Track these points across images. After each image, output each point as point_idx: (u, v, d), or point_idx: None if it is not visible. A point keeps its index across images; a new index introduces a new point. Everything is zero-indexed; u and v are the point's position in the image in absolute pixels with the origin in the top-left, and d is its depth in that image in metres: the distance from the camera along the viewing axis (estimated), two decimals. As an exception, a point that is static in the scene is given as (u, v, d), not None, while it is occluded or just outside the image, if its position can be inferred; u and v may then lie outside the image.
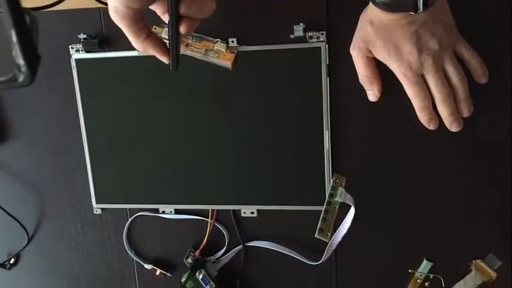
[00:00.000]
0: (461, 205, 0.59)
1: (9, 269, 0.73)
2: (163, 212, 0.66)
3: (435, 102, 0.53)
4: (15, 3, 0.29)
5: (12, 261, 0.73)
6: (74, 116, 0.65)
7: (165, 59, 0.50)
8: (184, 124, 0.62)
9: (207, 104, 0.61)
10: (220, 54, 0.59)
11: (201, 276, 0.64)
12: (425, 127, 0.55)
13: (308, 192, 0.61)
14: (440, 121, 0.55)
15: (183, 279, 0.64)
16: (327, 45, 0.57)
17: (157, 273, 0.67)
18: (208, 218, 0.64)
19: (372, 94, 0.56)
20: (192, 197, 0.64)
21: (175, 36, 0.47)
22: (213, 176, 0.63)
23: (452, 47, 0.52)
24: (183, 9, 0.45)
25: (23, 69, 0.31)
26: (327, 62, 0.57)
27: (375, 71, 0.55)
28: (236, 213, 0.64)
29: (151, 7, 0.48)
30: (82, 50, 0.63)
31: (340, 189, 0.59)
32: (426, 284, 0.61)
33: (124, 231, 0.68)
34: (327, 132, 0.59)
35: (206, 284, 0.64)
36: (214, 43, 0.59)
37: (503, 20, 0.54)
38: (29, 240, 0.72)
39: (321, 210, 0.59)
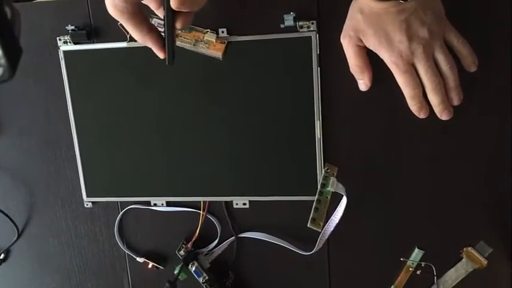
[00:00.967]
0: (452, 194, 0.59)
1: (-1, 264, 0.72)
2: (155, 205, 0.66)
3: (425, 91, 0.54)
4: None
5: (2, 256, 0.72)
6: (62, 109, 0.65)
7: (161, 54, 0.50)
8: (175, 115, 0.62)
9: (197, 95, 0.61)
10: (210, 44, 0.59)
11: (193, 268, 0.64)
12: (416, 116, 0.55)
13: (300, 183, 0.61)
14: (431, 110, 0.55)
15: (175, 272, 0.64)
16: (317, 35, 0.57)
17: (150, 266, 0.67)
18: (200, 210, 0.64)
19: (363, 83, 0.56)
20: (183, 189, 0.64)
21: (170, 31, 0.47)
22: (205, 167, 0.63)
23: (442, 35, 0.53)
24: (177, 4, 0.45)
25: (2, 61, 0.30)
26: (318, 52, 0.57)
27: (366, 60, 0.55)
28: (228, 204, 0.64)
29: (146, 2, 0.48)
30: (70, 42, 0.62)
31: (332, 179, 0.59)
32: (418, 272, 0.61)
33: (115, 225, 0.67)
34: (318, 122, 0.59)
35: (199, 276, 0.64)
36: (204, 33, 0.59)
37: (495, 9, 0.54)
38: (19, 235, 0.71)
39: (313, 200, 0.59)
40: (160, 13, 0.48)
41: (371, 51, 0.54)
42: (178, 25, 0.47)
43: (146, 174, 0.64)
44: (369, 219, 0.61)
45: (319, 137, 0.59)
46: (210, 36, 0.59)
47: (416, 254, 0.61)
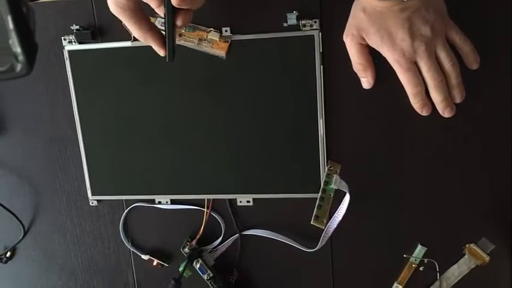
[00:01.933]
0: (454, 191, 0.59)
1: (6, 262, 0.73)
2: (159, 203, 0.66)
3: (428, 89, 0.54)
4: None
5: (8, 254, 0.73)
6: (67, 108, 0.65)
7: (161, 52, 0.51)
8: (179, 114, 0.62)
9: (201, 93, 0.61)
10: (213, 43, 0.59)
11: (198, 266, 0.64)
12: (418, 114, 0.56)
13: (303, 180, 0.61)
14: (434, 107, 0.55)
15: (180, 269, 0.65)
16: (320, 33, 0.57)
17: (155, 263, 0.67)
18: (204, 208, 0.65)
19: (366, 81, 0.57)
20: (187, 187, 0.64)
21: (171, 28, 0.48)
22: (209, 165, 0.63)
23: (444, 33, 0.53)
24: (177, 2, 0.45)
25: (20, 58, 0.30)
26: (321, 50, 0.57)
27: (369, 58, 0.55)
28: (232, 202, 0.64)
29: (146, 0, 0.48)
30: (75, 41, 0.63)
31: (335, 177, 0.59)
32: (421, 268, 0.61)
33: (120, 223, 0.68)
34: (321, 120, 0.59)
35: (203, 273, 0.65)
36: (208, 32, 0.59)
37: (496, 7, 0.55)
38: (25, 233, 0.72)
39: (316, 198, 0.60)
40: (160, 11, 0.49)
41: (374, 49, 0.54)
42: (178, 22, 0.48)
43: (151, 173, 0.65)
44: (371, 216, 0.62)
45: (322, 134, 0.60)
46: (213, 35, 0.59)
47: (419, 250, 0.61)
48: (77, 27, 0.62)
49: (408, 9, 0.50)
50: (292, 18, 0.57)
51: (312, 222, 0.59)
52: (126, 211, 0.67)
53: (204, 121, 0.62)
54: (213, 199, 0.65)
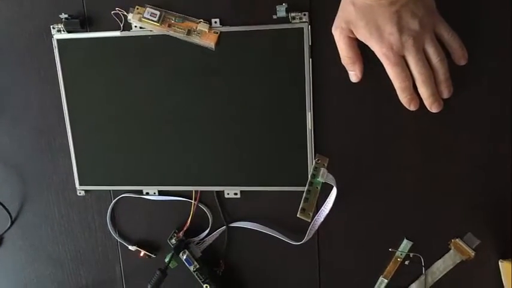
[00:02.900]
0: (441, 185, 0.60)
1: (-8, 251, 0.73)
2: (147, 194, 0.66)
3: (416, 83, 0.54)
4: None
5: (-5, 243, 0.73)
6: (56, 97, 0.65)
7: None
8: (168, 105, 0.62)
9: (190, 84, 0.61)
10: (203, 34, 0.59)
11: (184, 257, 0.64)
12: (406, 108, 0.56)
13: (291, 173, 0.61)
14: (421, 102, 0.55)
15: (166, 260, 0.65)
16: (309, 26, 0.57)
17: (142, 254, 0.67)
18: (191, 199, 0.65)
19: (354, 75, 0.57)
20: (175, 178, 0.64)
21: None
22: (197, 157, 0.63)
23: (433, 28, 0.53)
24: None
25: None
26: (310, 43, 0.57)
27: (357, 51, 0.55)
28: (220, 194, 0.64)
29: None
30: (64, 30, 0.62)
31: (323, 170, 0.59)
32: (406, 262, 0.62)
33: (108, 213, 0.68)
34: (309, 113, 0.59)
35: (190, 265, 0.65)
36: (197, 23, 0.59)
37: (487, 3, 0.55)
38: (12, 223, 0.71)
39: (303, 191, 0.60)
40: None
41: (363, 43, 0.54)
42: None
43: (139, 164, 0.65)
44: (358, 209, 0.62)
45: (310, 128, 0.60)
46: (203, 27, 0.59)
47: (405, 244, 0.61)
48: (66, 15, 0.62)
49: (397, 3, 0.50)
50: (281, 11, 0.57)
51: (298, 215, 0.58)
52: (113, 202, 0.67)
53: (192, 112, 0.62)
54: (201, 191, 0.64)
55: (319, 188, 0.60)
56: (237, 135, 0.61)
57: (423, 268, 0.62)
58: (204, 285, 0.65)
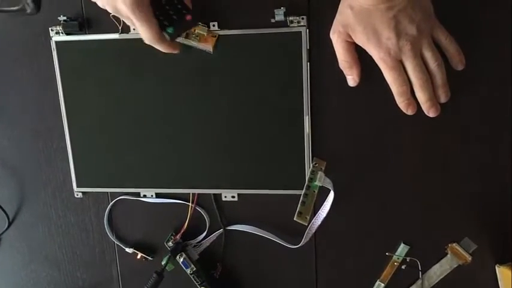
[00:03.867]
0: (438, 190, 0.60)
1: (-10, 252, 0.73)
2: (145, 196, 0.66)
3: (413, 88, 0.54)
4: None
5: (-8, 244, 0.73)
6: (54, 99, 0.65)
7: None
8: (166, 108, 0.62)
9: (187, 87, 0.61)
10: (201, 37, 0.59)
11: (181, 260, 0.64)
12: (404, 113, 0.56)
13: (288, 177, 0.61)
14: (419, 106, 0.55)
15: (163, 262, 0.65)
16: (307, 30, 0.57)
17: (139, 256, 0.67)
18: (189, 202, 0.65)
19: (352, 79, 0.57)
20: (173, 181, 0.64)
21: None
22: (194, 160, 0.63)
23: (431, 32, 0.53)
24: None
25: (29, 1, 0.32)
26: (308, 47, 0.57)
27: (355, 55, 0.55)
28: (217, 197, 0.64)
29: None
30: (62, 32, 0.62)
31: (320, 174, 0.59)
32: (403, 266, 0.62)
33: (105, 215, 0.68)
34: (307, 116, 0.59)
35: (187, 267, 0.65)
36: (196, 26, 0.59)
37: (484, 8, 0.55)
38: (10, 224, 0.71)
39: (301, 194, 0.60)
40: None
41: (360, 47, 0.54)
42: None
43: (136, 166, 0.65)
44: (355, 213, 0.62)
45: (307, 131, 0.60)
46: (201, 30, 0.59)
47: (402, 249, 0.61)
48: (65, 18, 0.62)
49: (395, 7, 0.50)
50: (279, 15, 0.57)
51: (295, 219, 0.59)
52: (111, 204, 0.67)
53: (190, 115, 0.62)
54: (198, 193, 0.65)
55: (316, 191, 0.60)
56: (235, 139, 0.61)
57: (420, 272, 0.61)
58: (201, 288, 0.65)
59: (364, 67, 0.56)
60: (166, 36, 0.53)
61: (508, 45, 0.55)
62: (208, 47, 0.59)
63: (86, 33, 0.62)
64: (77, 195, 0.68)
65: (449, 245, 0.60)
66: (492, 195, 0.59)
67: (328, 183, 0.59)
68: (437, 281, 0.62)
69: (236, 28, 0.58)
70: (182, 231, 0.66)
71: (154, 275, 0.63)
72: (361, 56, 0.55)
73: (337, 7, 0.54)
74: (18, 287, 0.74)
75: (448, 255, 0.61)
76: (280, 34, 0.57)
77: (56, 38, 0.63)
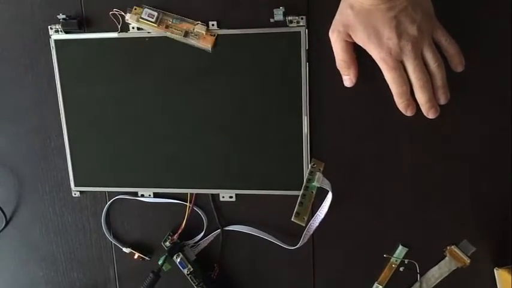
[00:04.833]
0: (437, 192, 0.59)
1: (-13, 251, 0.73)
2: (142, 196, 0.66)
3: (413, 89, 0.54)
4: None
5: (-11, 243, 0.72)
6: (52, 98, 0.65)
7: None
8: (164, 107, 0.62)
9: (186, 86, 0.61)
10: (200, 36, 0.59)
11: (178, 260, 0.64)
12: (403, 114, 0.56)
13: (286, 177, 0.61)
14: (418, 108, 0.55)
15: (160, 262, 0.64)
16: (306, 30, 0.57)
17: (136, 256, 0.67)
18: (187, 202, 0.64)
19: (348, 79, 0.57)
20: (171, 181, 0.64)
21: None
22: (193, 160, 0.63)
23: (431, 33, 0.53)
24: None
25: None
26: (307, 47, 0.57)
27: (353, 55, 0.55)
28: (215, 197, 0.64)
29: None
30: (61, 31, 0.62)
31: (318, 174, 0.59)
32: (401, 269, 0.61)
33: (102, 215, 0.67)
34: (305, 117, 0.59)
35: (184, 268, 0.64)
36: (195, 25, 0.59)
37: (486, 9, 0.55)
38: (7, 223, 0.71)
39: (299, 195, 0.59)
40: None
41: (359, 47, 0.54)
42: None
43: (134, 165, 0.64)
44: (353, 215, 0.62)
45: (306, 132, 0.59)
46: (200, 28, 0.59)
47: (400, 251, 0.61)
48: (64, 16, 0.61)
49: (396, 8, 0.50)
50: (278, 14, 0.56)
51: (292, 219, 0.58)
52: (108, 203, 0.67)
53: (188, 115, 0.62)
54: (196, 194, 0.64)
55: (314, 192, 0.59)
56: (233, 138, 0.61)
57: (418, 275, 0.61)
58: (198, 289, 0.65)
59: (363, 68, 0.56)
60: None
61: (508, 46, 0.55)
62: (207, 46, 0.59)
63: (85, 32, 0.62)
64: (75, 194, 0.68)
65: (448, 247, 0.60)
66: (491, 197, 0.59)
67: (326, 184, 0.59)
68: (435, 283, 0.61)
69: (235, 27, 0.58)
70: (180, 231, 0.65)
71: (151, 275, 0.63)
72: (359, 57, 0.55)
73: (337, 7, 0.54)
74: (15, 286, 0.73)
75: (447, 258, 0.60)
76: (279, 34, 0.57)
77: (55, 36, 0.63)
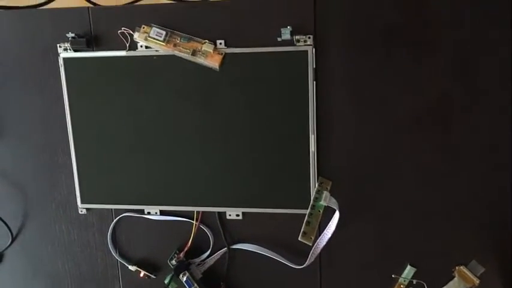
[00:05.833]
0: (445, 212, 0.59)
1: (-7, 268, 0.72)
2: (149, 213, 0.66)
3: None
4: None
5: (-5, 260, 0.72)
6: (60, 115, 0.65)
7: None
8: (171, 125, 0.62)
9: (193, 105, 0.61)
10: (207, 55, 0.59)
11: (184, 278, 0.64)
12: (409, 132, 0.55)
13: (293, 196, 0.61)
14: (423, 127, 0.55)
15: (166, 281, 0.64)
16: (314, 49, 0.57)
17: (142, 274, 0.67)
18: (193, 220, 0.64)
19: None
20: (177, 199, 0.64)
21: None
22: (199, 177, 0.63)
23: None
24: None
25: None
26: (314, 66, 0.57)
27: None
28: (221, 215, 0.64)
29: None
30: (70, 49, 0.63)
31: (325, 193, 0.59)
32: (409, 289, 0.61)
33: (109, 232, 0.67)
34: (312, 136, 0.59)
35: (190, 286, 0.64)
36: (202, 44, 0.59)
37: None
38: (13, 240, 0.71)
39: (306, 214, 0.59)
40: None
41: (368, 69, 0.53)
42: None
43: (141, 183, 0.64)
44: (361, 234, 0.61)
45: (313, 150, 0.59)
46: (208, 47, 0.59)
47: (409, 271, 0.60)
48: (73, 35, 0.62)
49: None
50: (286, 33, 0.57)
51: (299, 239, 0.58)
52: (115, 221, 0.67)
53: (196, 133, 0.62)
54: (203, 211, 0.64)
55: (321, 211, 0.59)
56: (240, 157, 0.61)
57: (427, 295, 0.61)
58: (204, 308, 0.64)
59: (371, 88, 0.56)
60: None
61: (509, 45, 0.55)
62: (214, 64, 0.59)
63: (93, 50, 0.63)
64: (81, 211, 0.68)
65: (457, 267, 0.59)
66: (500, 218, 0.58)
67: (333, 203, 0.59)
68: (444, 304, 0.61)
69: (243, 46, 0.59)
70: (186, 249, 0.65)
71: (157, 294, 0.63)
72: (367, 77, 0.55)
73: (344, 27, 0.54)
74: (21, 303, 0.73)
75: (456, 278, 0.60)
76: (286, 53, 0.57)
77: (63, 54, 0.63)
